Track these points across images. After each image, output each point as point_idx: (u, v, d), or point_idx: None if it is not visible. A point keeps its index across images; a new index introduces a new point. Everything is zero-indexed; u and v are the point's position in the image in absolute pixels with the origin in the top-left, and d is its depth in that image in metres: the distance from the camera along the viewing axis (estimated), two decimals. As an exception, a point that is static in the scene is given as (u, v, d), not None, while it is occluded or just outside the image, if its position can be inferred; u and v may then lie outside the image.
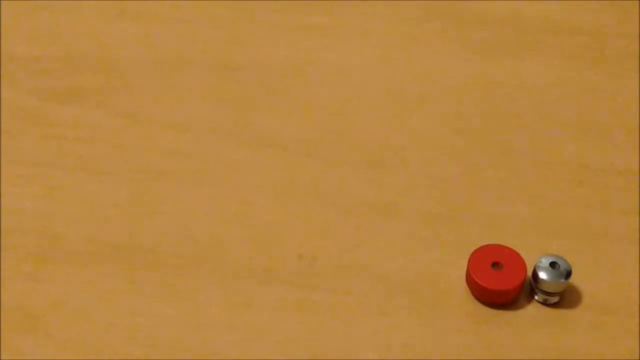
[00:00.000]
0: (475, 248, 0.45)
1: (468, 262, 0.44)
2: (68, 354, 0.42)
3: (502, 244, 0.46)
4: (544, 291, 0.44)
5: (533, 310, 0.44)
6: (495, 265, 0.44)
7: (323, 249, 0.46)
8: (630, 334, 0.44)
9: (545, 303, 0.44)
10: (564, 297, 0.45)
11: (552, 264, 0.44)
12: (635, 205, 0.48)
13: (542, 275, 0.44)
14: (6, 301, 0.44)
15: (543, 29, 0.56)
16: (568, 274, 0.44)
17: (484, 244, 0.45)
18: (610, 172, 0.49)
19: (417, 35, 0.56)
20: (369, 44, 0.55)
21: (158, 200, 0.48)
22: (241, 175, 0.49)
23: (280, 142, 0.50)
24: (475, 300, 0.44)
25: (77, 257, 0.45)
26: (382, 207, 0.48)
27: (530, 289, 0.45)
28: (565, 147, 0.50)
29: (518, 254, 0.45)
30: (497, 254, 0.45)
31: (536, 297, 0.44)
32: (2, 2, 0.56)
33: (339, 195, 0.48)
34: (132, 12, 0.56)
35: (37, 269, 0.45)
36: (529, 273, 0.45)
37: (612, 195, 0.48)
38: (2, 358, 0.42)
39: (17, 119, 0.51)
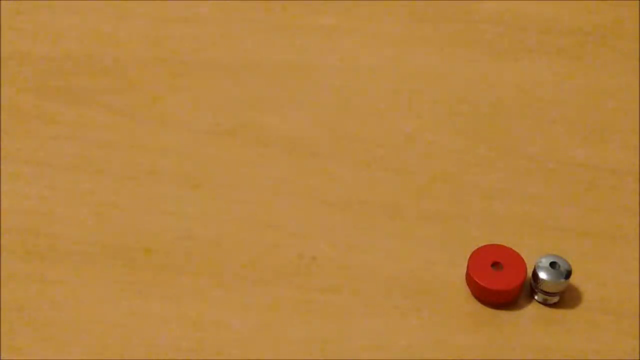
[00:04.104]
0: (475, 248, 0.45)
1: (468, 262, 0.44)
2: (68, 354, 0.42)
3: (502, 244, 0.46)
4: (544, 291, 0.44)
5: (533, 310, 0.44)
6: (495, 265, 0.44)
7: (323, 249, 0.46)
8: (630, 334, 0.44)
9: (545, 303, 0.44)
10: (564, 297, 0.45)
11: (552, 264, 0.44)
12: (635, 205, 0.48)
13: (542, 275, 0.44)
14: (6, 301, 0.44)
15: (543, 29, 0.56)
16: (568, 274, 0.44)
17: (484, 244, 0.45)
18: (610, 172, 0.49)
19: (419, 36, 0.56)
20: (370, 44, 0.55)
21: (158, 200, 0.48)
22: (241, 175, 0.49)
23: (281, 142, 0.50)
24: (475, 300, 0.44)
25: (77, 257, 0.45)
26: (382, 207, 0.48)
27: (530, 289, 0.45)
28: (565, 147, 0.50)
29: (518, 254, 0.45)
30: (497, 254, 0.45)
31: (536, 297, 0.44)
32: (2, 2, 0.56)
33: (339, 195, 0.48)
34: (132, 12, 0.56)
35: (37, 269, 0.45)
36: (529, 273, 0.45)
37: (612, 195, 0.48)
38: (2, 358, 0.42)
39: (17, 119, 0.51)
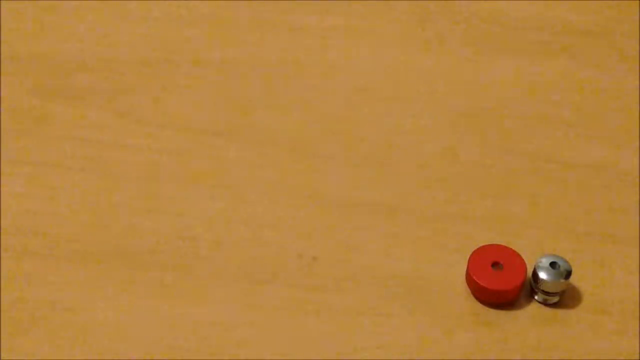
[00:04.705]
0: (475, 248, 0.45)
1: (468, 262, 0.44)
2: (68, 354, 0.42)
3: (502, 244, 0.46)
4: (544, 291, 0.44)
5: (533, 310, 0.44)
6: (495, 265, 0.44)
7: (323, 249, 0.46)
8: (630, 334, 0.44)
9: (545, 303, 0.44)
10: (564, 297, 0.45)
11: (552, 264, 0.44)
12: (635, 205, 0.48)
13: (542, 275, 0.44)
14: (6, 301, 0.44)
15: (543, 29, 0.56)
16: (568, 274, 0.44)
17: (484, 244, 0.45)
18: (610, 172, 0.49)
19: (417, 35, 0.56)
20: (369, 43, 0.55)
21: (158, 200, 0.48)
22: (241, 175, 0.49)
23: (280, 142, 0.50)
24: (475, 300, 0.44)
25: (77, 257, 0.45)
26: (382, 207, 0.48)
27: (530, 289, 0.45)
28: (565, 146, 0.50)
29: (518, 254, 0.45)
30: (497, 254, 0.45)
31: (536, 297, 0.44)
32: (2, 2, 0.56)
33: (339, 195, 0.48)
34: (132, 12, 0.56)
35: (37, 269, 0.45)
36: (529, 273, 0.45)
37: (612, 195, 0.48)
38: (2, 358, 0.42)
39: (17, 119, 0.51)
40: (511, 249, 0.45)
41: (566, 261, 0.44)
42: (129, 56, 0.54)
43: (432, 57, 0.55)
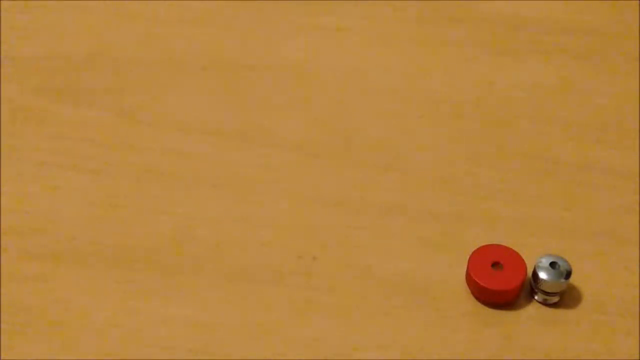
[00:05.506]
0: (475, 248, 0.45)
1: (468, 262, 0.44)
2: (68, 354, 0.42)
3: (502, 244, 0.46)
4: (544, 291, 0.44)
5: (533, 310, 0.44)
6: (495, 265, 0.44)
7: (323, 249, 0.46)
8: (630, 334, 0.44)
9: (545, 303, 0.44)
10: (564, 297, 0.45)
11: (552, 264, 0.44)
12: (635, 205, 0.48)
13: (542, 275, 0.44)
14: (6, 301, 0.44)
15: (543, 29, 0.56)
16: (568, 274, 0.44)
17: (484, 244, 0.45)
18: (610, 172, 0.49)
19: (419, 36, 0.56)
20: (370, 44, 0.55)
21: (158, 200, 0.48)
22: (241, 175, 0.49)
23: (281, 142, 0.50)
24: (475, 300, 0.44)
25: (77, 257, 0.45)
26: (382, 207, 0.48)
27: (530, 289, 0.45)
28: (565, 147, 0.50)
29: (518, 254, 0.45)
30: (497, 254, 0.45)
31: (536, 297, 0.44)
32: (2, 2, 0.56)
33: (340, 195, 0.48)
34: (132, 12, 0.56)
35: (37, 269, 0.45)
36: (529, 273, 0.45)
37: (612, 195, 0.48)
38: (2, 358, 0.42)
39: (17, 119, 0.51)
40: (511, 249, 0.45)
41: (566, 261, 0.44)
42: (129, 56, 0.54)
43: (433, 58, 0.55)
